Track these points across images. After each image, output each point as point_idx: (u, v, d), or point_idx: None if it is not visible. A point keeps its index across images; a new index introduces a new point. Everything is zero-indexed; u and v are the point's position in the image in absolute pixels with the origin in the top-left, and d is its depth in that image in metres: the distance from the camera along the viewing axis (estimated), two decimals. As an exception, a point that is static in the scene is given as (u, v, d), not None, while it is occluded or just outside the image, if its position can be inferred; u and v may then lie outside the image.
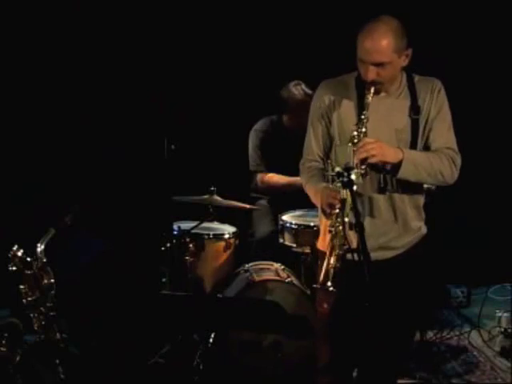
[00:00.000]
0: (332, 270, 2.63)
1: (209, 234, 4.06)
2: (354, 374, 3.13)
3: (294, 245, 3.97)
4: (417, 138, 2.84)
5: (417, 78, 2.91)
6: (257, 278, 3.74)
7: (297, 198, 4.28)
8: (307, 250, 3.93)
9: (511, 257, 4.46)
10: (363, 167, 2.68)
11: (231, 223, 4.28)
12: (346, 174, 2.59)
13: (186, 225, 4.09)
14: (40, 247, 2.87)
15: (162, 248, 4.01)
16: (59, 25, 4.71)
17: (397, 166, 2.76)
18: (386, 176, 2.82)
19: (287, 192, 4.28)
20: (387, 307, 2.58)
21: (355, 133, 2.71)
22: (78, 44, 4.76)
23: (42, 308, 2.87)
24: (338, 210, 2.66)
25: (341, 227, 2.65)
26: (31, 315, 2.90)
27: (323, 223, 2.91)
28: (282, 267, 3.86)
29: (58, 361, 2.85)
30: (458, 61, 5.05)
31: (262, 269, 3.90)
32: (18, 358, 2.85)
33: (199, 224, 4.04)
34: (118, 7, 4.81)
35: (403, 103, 2.84)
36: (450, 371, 3.88)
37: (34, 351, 2.89)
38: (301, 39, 4.94)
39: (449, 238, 4.81)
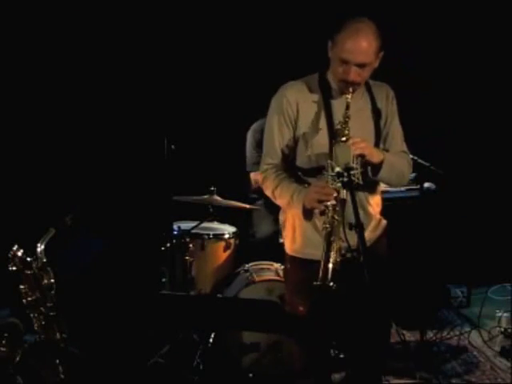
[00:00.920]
0: (331, 267, 2.58)
1: (209, 234, 4.06)
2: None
3: None
4: (379, 140, 2.85)
5: (370, 81, 2.91)
6: (257, 278, 3.74)
7: None
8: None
9: (511, 257, 4.47)
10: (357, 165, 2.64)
11: (231, 223, 4.29)
12: (345, 174, 2.59)
13: (186, 225, 4.09)
14: (40, 247, 2.87)
15: (162, 248, 4.02)
16: (59, 25, 4.72)
17: (376, 167, 2.77)
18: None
19: None
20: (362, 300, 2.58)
21: (346, 131, 2.67)
22: (78, 44, 4.77)
23: (41, 308, 2.87)
24: (331, 206, 2.62)
25: (335, 223, 2.61)
26: (31, 315, 2.91)
27: (290, 223, 2.89)
28: (282, 267, 3.86)
29: (57, 361, 2.85)
30: (457, 61, 5.06)
31: (262, 269, 3.90)
32: (17, 358, 2.85)
33: (199, 224, 4.04)
34: (118, 7, 4.81)
35: (366, 106, 2.85)
36: (450, 371, 3.88)
37: (33, 351, 2.89)
38: (301, 40, 4.94)
39: (449, 238, 4.82)
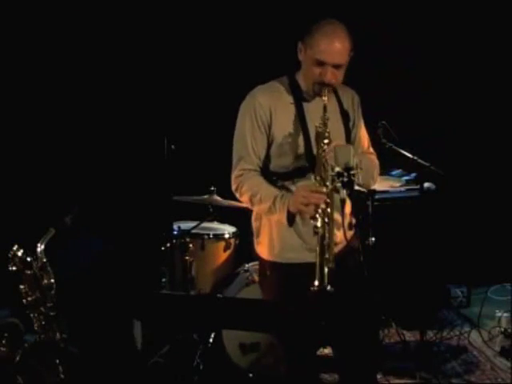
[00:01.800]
0: (326, 270, 2.54)
1: (209, 234, 4.06)
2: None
3: None
4: (349, 141, 2.83)
5: None
6: (257, 278, 3.74)
7: None
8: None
9: (511, 257, 4.47)
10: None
11: (231, 223, 4.29)
12: (345, 174, 2.58)
13: (186, 225, 4.09)
14: (40, 247, 2.87)
15: (162, 248, 4.02)
16: (59, 25, 4.72)
17: None
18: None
19: None
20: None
21: (327, 134, 2.65)
22: (78, 44, 4.77)
23: (41, 308, 2.87)
24: (321, 209, 2.57)
25: (327, 226, 2.57)
26: (31, 315, 2.91)
27: (266, 229, 2.84)
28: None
29: (57, 361, 2.85)
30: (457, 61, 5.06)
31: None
32: (17, 358, 2.86)
33: (199, 224, 4.04)
34: (118, 7, 4.81)
35: (335, 108, 2.84)
36: (450, 371, 3.88)
37: (33, 351, 2.90)
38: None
39: (449, 238, 4.82)
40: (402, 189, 4.48)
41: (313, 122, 2.72)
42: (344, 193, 2.62)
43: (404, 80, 5.07)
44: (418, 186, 4.31)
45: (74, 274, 3.75)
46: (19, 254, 2.87)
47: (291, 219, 2.69)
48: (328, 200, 2.57)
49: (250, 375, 3.69)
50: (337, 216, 2.61)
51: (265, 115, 2.83)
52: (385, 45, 5.10)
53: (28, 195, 4.62)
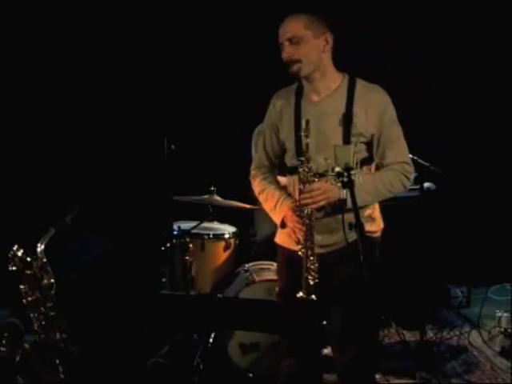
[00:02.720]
0: (312, 282, 2.75)
1: (209, 234, 4.06)
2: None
3: None
4: (346, 143, 2.85)
5: (360, 84, 2.90)
6: (257, 278, 3.74)
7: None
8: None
9: (511, 257, 4.47)
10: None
11: (231, 223, 4.29)
12: (345, 174, 2.59)
13: (186, 225, 4.09)
14: (40, 247, 2.87)
15: (162, 248, 4.02)
16: (59, 25, 4.72)
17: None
18: None
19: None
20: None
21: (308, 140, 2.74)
22: (79, 44, 4.77)
23: (41, 308, 2.87)
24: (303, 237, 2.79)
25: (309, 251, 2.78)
26: (31, 315, 2.91)
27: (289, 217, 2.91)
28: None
29: (57, 361, 2.85)
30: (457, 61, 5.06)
31: (262, 269, 3.90)
32: (18, 358, 2.85)
33: (199, 224, 4.04)
34: (118, 7, 4.81)
35: (339, 109, 2.85)
36: (450, 371, 3.88)
37: (33, 351, 2.90)
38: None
39: (449, 237, 4.82)
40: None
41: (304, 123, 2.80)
42: (344, 193, 2.64)
43: (404, 81, 5.07)
44: (418, 186, 4.32)
45: (74, 274, 3.75)
46: (19, 253, 2.88)
47: (283, 225, 2.93)
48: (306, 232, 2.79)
49: (250, 375, 3.69)
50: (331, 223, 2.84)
51: (275, 115, 3.01)
52: (385, 46, 5.11)
53: (28, 195, 4.62)
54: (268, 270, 3.86)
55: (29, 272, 2.89)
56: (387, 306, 4.11)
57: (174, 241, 4.00)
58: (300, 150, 2.81)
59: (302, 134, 2.73)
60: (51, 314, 2.86)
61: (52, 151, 4.75)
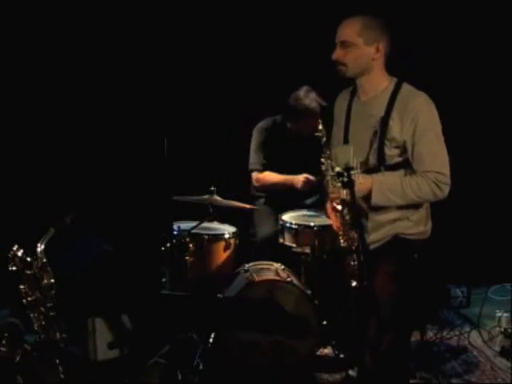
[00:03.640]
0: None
1: (209, 234, 4.07)
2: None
3: (294, 245, 3.98)
4: (383, 150, 2.93)
5: (404, 89, 3.02)
6: (257, 278, 3.74)
7: (292, 198, 4.32)
8: (307, 250, 3.94)
9: (511, 257, 4.46)
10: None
11: (231, 223, 4.29)
12: (345, 174, 2.61)
13: (186, 225, 4.09)
14: (40, 247, 2.88)
15: (162, 248, 4.01)
16: (58, 24, 4.72)
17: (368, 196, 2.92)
18: None
19: (280, 190, 4.32)
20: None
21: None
22: (78, 44, 4.77)
23: (41, 308, 2.87)
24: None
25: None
26: (31, 315, 2.91)
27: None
28: (282, 267, 3.86)
29: (57, 361, 2.85)
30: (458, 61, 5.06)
31: (261, 269, 3.89)
32: (18, 358, 2.85)
33: (199, 224, 4.04)
34: (118, 6, 4.81)
35: (377, 112, 2.97)
36: (450, 371, 3.87)
37: (33, 351, 2.89)
38: (301, 40, 4.94)
39: (449, 237, 4.81)
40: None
41: (354, 121, 3.05)
42: (344, 193, 2.66)
43: (403, 81, 5.07)
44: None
45: (74, 274, 3.75)
46: (19, 254, 2.88)
47: None
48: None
49: (250, 375, 3.69)
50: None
51: (337, 112, 3.23)
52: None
53: (28, 195, 4.62)
54: (268, 270, 3.85)
55: (29, 272, 2.90)
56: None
57: (174, 241, 4.00)
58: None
59: (319, 134, 3.01)
60: (51, 314, 2.86)
61: (52, 151, 4.75)
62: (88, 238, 4.12)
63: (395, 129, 2.90)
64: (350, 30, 2.93)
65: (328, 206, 3.12)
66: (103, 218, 4.48)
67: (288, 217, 4.09)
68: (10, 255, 2.87)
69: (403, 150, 2.92)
